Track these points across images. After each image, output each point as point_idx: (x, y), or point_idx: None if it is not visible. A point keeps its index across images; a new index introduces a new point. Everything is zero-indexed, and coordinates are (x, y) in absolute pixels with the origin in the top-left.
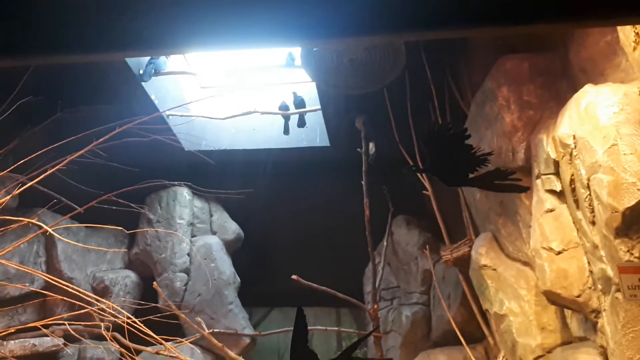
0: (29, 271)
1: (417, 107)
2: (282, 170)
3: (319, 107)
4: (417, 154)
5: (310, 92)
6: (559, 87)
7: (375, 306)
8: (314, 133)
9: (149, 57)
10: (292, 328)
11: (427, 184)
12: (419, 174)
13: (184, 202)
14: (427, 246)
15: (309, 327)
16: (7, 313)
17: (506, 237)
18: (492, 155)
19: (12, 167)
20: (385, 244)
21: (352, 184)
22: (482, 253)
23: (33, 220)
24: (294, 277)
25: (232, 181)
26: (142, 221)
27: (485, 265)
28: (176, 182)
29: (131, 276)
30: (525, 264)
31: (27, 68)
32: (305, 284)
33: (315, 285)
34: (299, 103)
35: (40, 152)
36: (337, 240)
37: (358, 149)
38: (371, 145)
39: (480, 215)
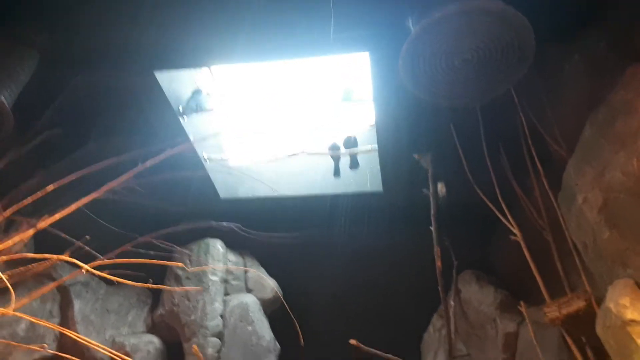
0: (45, 324)
1: (490, 144)
2: (328, 219)
3: (375, 146)
4: (498, 194)
5: (363, 132)
6: None
7: None
8: (363, 177)
9: (190, 92)
10: None
11: (515, 229)
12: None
13: (217, 255)
14: (521, 303)
15: None
16: None
17: None
18: None
19: (16, 207)
20: (452, 303)
21: (408, 233)
22: (626, 305)
23: (51, 255)
24: (352, 341)
25: (272, 232)
26: (169, 277)
27: (633, 321)
28: (225, 223)
29: (154, 342)
30: None
31: (53, 98)
32: (367, 350)
33: (379, 352)
34: (352, 143)
35: (53, 185)
36: (391, 299)
37: (424, 190)
38: (440, 185)
39: (608, 258)
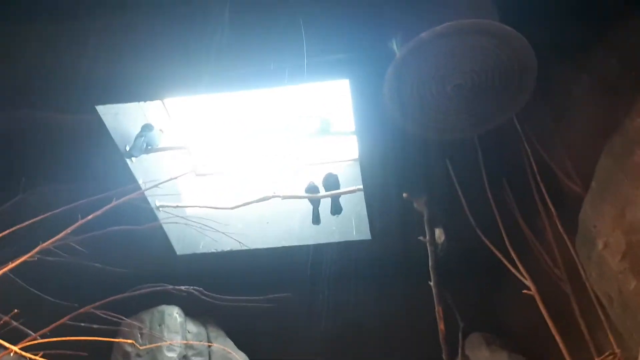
0: None
1: (493, 181)
2: (308, 275)
3: (360, 186)
4: (506, 239)
5: (345, 170)
6: None
7: None
8: (348, 224)
9: (139, 130)
10: None
11: (528, 281)
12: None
13: (174, 326)
14: None
15: None
16: None
17: None
18: None
19: None
20: None
21: (403, 289)
22: None
23: None
24: None
25: (241, 294)
26: (116, 356)
27: None
28: (184, 287)
29: None
30: None
31: None
32: None
33: None
34: (333, 183)
35: None
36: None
37: (420, 238)
38: (438, 231)
39: (637, 313)
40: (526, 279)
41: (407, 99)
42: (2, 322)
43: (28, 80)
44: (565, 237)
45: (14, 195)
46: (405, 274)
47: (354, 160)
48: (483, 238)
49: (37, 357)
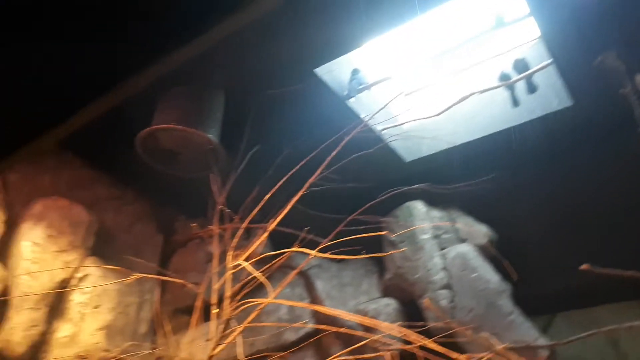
0: (305, 306)
1: None
2: (519, 153)
3: (549, 60)
4: None
5: (528, 52)
6: None
7: None
8: (545, 98)
9: (349, 75)
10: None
11: None
12: None
13: (421, 215)
14: None
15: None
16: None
17: None
18: None
19: (249, 218)
20: None
21: (613, 144)
22: None
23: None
24: (583, 266)
25: (464, 181)
26: (385, 246)
27: None
28: (416, 186)
29: (392, 303)
30: None
31: (239, 124)
32: (602, 272)
33: (616, 271)
34: (523, 66)
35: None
36: (609, 218)
37: (621, 91)
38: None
39: None
40: None
41: None
42: (301, 237)
43: (266, 69)
44: None
45: (282, 152)
46: (613, 128)
47: (535, 40)
48: None
49: (330, 255)
